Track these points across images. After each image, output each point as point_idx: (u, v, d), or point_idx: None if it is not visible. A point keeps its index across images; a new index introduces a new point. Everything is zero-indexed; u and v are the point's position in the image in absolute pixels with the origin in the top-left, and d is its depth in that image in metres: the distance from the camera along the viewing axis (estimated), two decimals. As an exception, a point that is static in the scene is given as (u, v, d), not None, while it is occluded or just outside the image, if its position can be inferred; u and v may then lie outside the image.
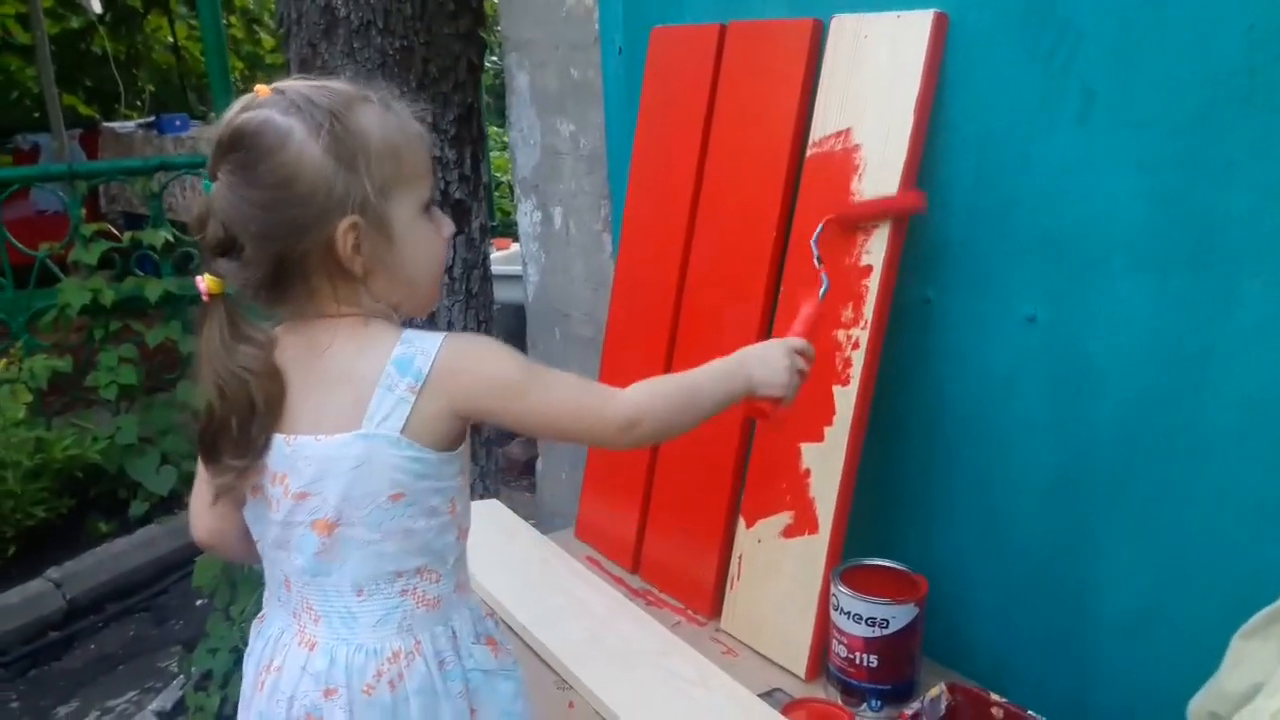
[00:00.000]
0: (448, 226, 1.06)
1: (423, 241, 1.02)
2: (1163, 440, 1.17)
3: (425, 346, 0.98)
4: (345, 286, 0.98)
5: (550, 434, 1.08)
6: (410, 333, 0.99)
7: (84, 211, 3.87)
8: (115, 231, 3.91)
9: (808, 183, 1.44)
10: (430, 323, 2.19)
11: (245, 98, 0.97)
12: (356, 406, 0.97)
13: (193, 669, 2.45)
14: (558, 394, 1.03)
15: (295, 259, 0.95)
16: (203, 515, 1.10)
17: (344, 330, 0.99)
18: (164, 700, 2.55)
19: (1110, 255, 1.18)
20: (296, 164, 0.92)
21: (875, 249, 1.33)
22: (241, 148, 0.93)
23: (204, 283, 0.97)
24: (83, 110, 7.30)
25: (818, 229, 1.33)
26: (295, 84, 0.97)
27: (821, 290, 1.28)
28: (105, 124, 6.62)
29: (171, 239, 3.73)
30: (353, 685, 1.00)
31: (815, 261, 1.30)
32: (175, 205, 5.09)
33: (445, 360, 0.97)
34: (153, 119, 6.39)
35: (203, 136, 5.69)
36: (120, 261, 3.79)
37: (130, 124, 6.42)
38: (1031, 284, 1.27)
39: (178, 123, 6.07)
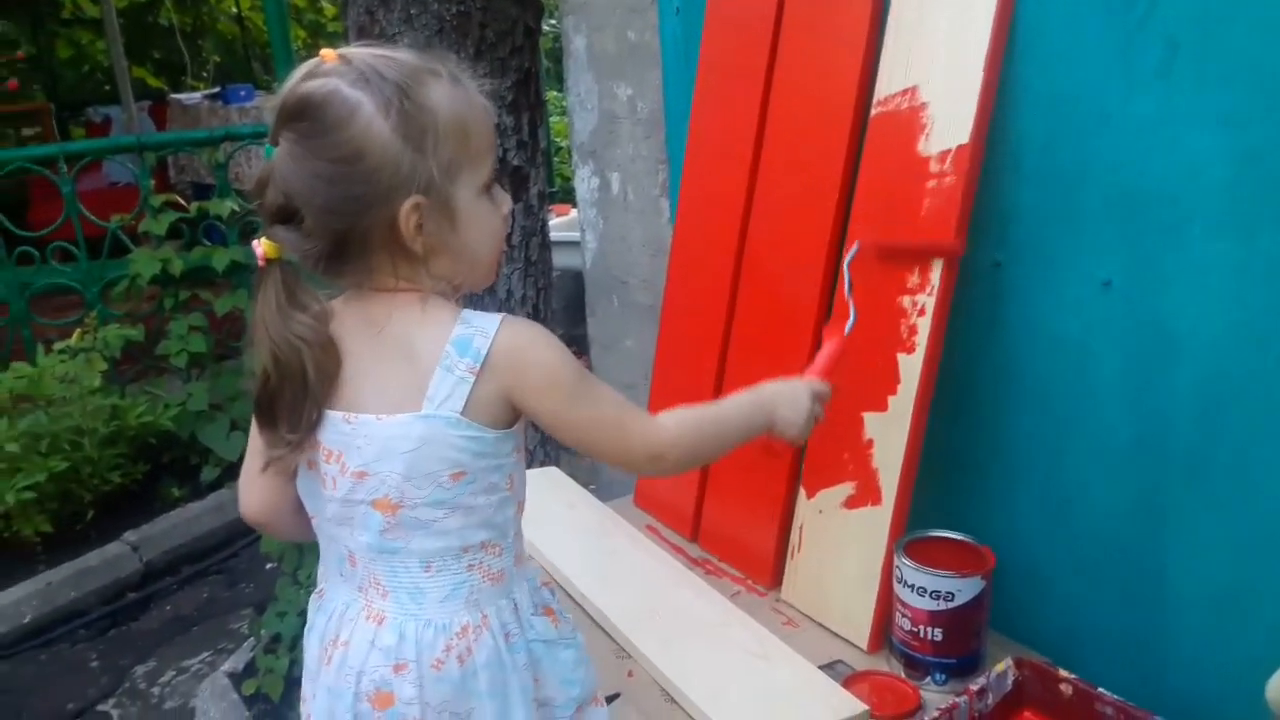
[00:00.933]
0: (507, 203, 1.04)
1: (484, 221, 1.00)
2: (1245, 412, 1.12)
3: (484, 327, 0.97)
4: (405, 264, 0.97)
5: (581, 443, 1.04)
6: (468, 313, 0.98)
7: (153, 182, 3.95)
8: (183, 202, 3.97)
9: (872, 142, 1.40)
10: (490, 290, 2.18)
11: (310, 63, 0.94)
12: (416, 387, 0.96)
13: (262, 632, 2.50)
14: (601, 407, 1.02)
15: (356, 234, 0.94)
16: (252, 490, 1.09)
17: (400, 307, 0.98)
18: (236, 661, 2.61)
19: (1192, 218, 1.13)
20: (363, 140, 0.90)
21: (945, 210, 1.28)
22: (307, 117, 0.91)
23: (260, 247, 0.95)
24: (151, 82, 7.43)
25: (852, 250, 1.30)
26: (362, 52, 0.95)
27: (848, 324, 1.25)
28: (172, 95, 6.72)
29: (237, 209, 3.78)
30: (422, 660, 1.00)
31: (846, 290, 1.27)
32: (241, 175, 5.17)
33: (504, 342, 0.96)
34: (218, 90, 6.48)
35: (267, 106, 5.74)
36: (188, 231, 3.86)
37: (196, 95, 6.52)
38: (1108, 248, 1.22)
39: (242, 93, 6.14)
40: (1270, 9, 1.02)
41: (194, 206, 3.85)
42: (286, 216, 0.94)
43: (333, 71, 0.92)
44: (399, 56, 0.95)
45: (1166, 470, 1.20)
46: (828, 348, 1.24)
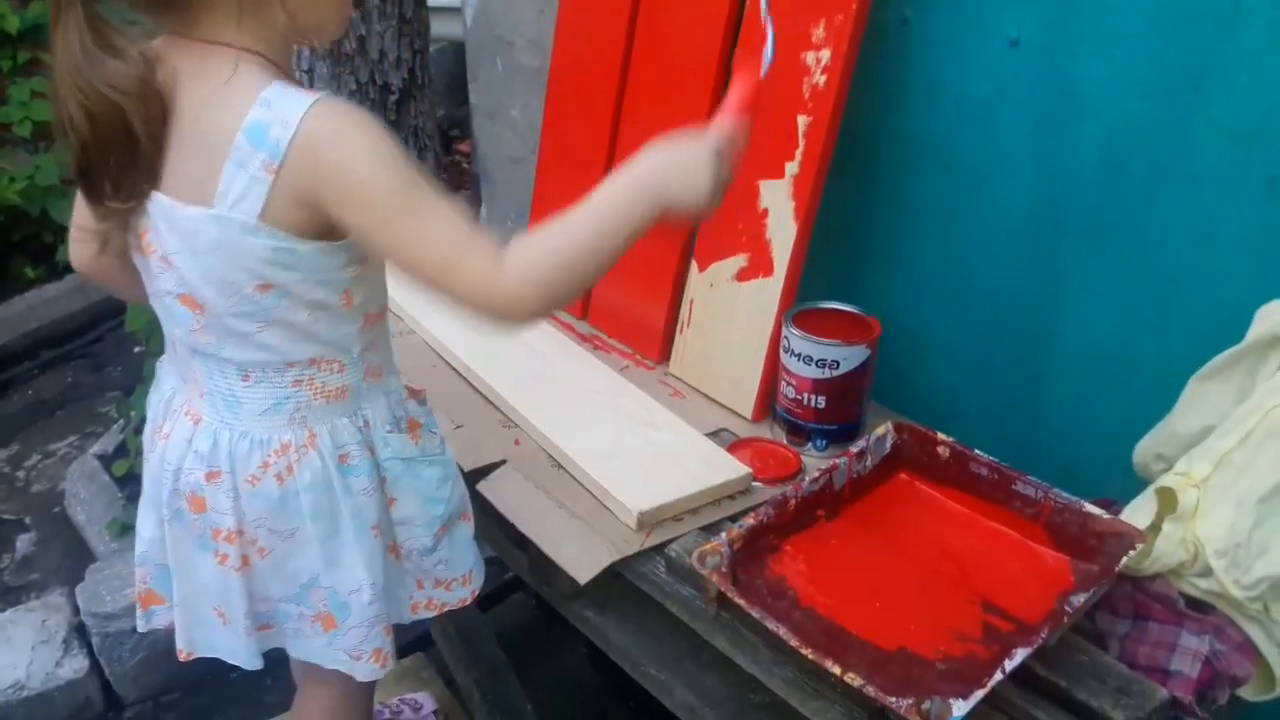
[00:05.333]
0: None
1: None
2: (1148, 172, 1.10)
3: (286, 113, 0.81)
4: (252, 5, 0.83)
5: (407, 272, 0.84)
6: (274, 90, 0.82)
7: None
8: (14, -49, 3.53)
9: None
10: (360, 51, 2.00)
11: None
12: (208, 175, 0.82)
13: (131, 413, 2.40)
14: (433, 231, 0.82)
15: None
16: (80, 241, 0.97)
17: (208, 65, 0.83)
18: (105, 444, 2.52)
19: (1108, -33, 1.07)
20: None
21: (852, -41, 1.19)
22: None
23: None
24: None
25: None
26: None
27: (766, 57, 0.95)
28: None
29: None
30: (237, 473, 0.94)
31: (763, 9, 0.99)
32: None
33: (308, 133, 0.80)
34: None
35: None
36: (22, -16, 3.46)
37: None
38: (1019, 3, 1.15)
39: None
40: None
41: (27, -45, 3.44)
42: None
43: None
44: None
45: (1065, 234, 1.19)
46: (738, 87, 0.94)
